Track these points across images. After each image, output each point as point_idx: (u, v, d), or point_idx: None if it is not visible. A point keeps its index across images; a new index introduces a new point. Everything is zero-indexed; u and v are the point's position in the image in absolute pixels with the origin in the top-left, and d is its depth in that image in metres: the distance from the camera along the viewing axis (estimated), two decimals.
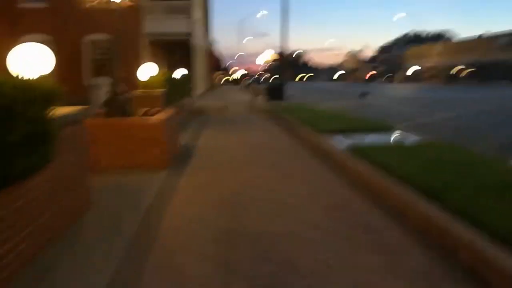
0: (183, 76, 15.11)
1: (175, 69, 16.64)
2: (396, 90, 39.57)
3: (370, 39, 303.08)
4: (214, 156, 7.09)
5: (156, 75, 9.91)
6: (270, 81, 26.44)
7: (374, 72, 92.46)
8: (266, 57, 24.50)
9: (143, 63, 21.21)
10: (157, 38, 22.85)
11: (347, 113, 13.29)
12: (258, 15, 58.61)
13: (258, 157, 7.04)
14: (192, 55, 23.06)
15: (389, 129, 8.64)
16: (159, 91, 9.29)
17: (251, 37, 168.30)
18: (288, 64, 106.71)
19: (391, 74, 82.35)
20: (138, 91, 9.15)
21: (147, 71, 9.78)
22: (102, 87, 14.80)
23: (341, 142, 7.18)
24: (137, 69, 9.63)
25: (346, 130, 8.32)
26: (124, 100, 6.44)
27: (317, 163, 6.39)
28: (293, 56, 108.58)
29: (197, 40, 24.88)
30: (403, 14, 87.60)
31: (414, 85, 58.90)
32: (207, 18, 39.30)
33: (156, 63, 23.49)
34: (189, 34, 22.36)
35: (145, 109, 7.55)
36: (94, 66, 21.39)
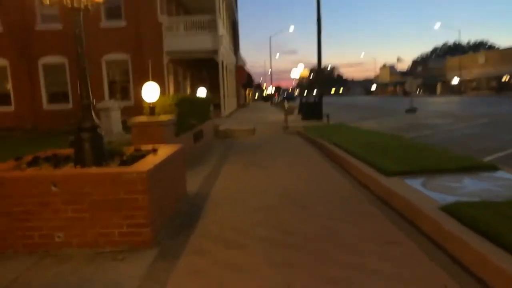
0: (203, 96, 13.01)
1: (200, 88, 14.62)
2: (443, 104, 36.11)
3: (401, 53, 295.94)
4: (233, 215, 4.74)
5: (162, 98, 7.76)
6: (304, 97, 24.10)
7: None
8: (299, 71, 22.22)
9: (165, 84, 19.47)
10: (180, 56, 21.08)
11: (403, 137, 10.69)
12: (290, 29, 56.55)
13: (301, 215, 4.64)
14: (220, 73, 21.09)
15: (486, 168, 5.98)
16: (166, 118, 7.11)
17: (279, 54, 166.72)
18: (323, 78, 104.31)
19: (426, 87, 77.98)
20: (139, 119, 7.01)
21: (152, 91, 7.55)
22: (112, 111, 12.91)
23: (427, 194, 4.66)
24: (161, 89, 7.59)
25: (421, 169, 5.78)
26: (95, 136, 4.23)
27: (407, 237, 3.83)
28: (327, 70, 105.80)
29: (225, 57, 22.97)
30: (439, 23, 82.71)
31: (458, 97, 54.78)
32: (235, 34, 37.66)
33: (179, 82, 21.49)
34: (215, 52, 20.45)
35: (136, 147, 5.34)
36: (112, 88, 19.79)
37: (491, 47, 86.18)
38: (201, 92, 14.15)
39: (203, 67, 29.49)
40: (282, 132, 15.04)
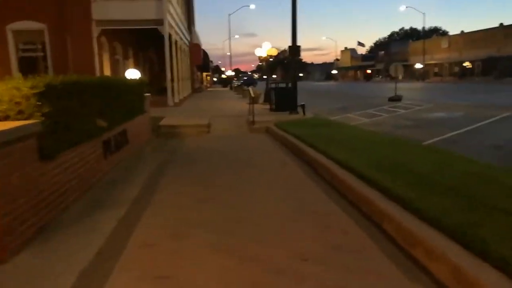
0: (134, 80, 9.02)
1: (131, 70, 10.51)
2: (419, 91, 33.63)
3: (363, 37, 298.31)
4: None
5: (9, 83, 3.75)
6: (272, 81, 20.42)
7: (373, 68, 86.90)
8: (265, 49, 18.52)
9: (95, 63, 15.05)
10: (116, 27, 16.59)
11: (447, 152, 7.35)
12: (251, 7, 52.16)
13: None
14: (166, 50, 16.86)
15: None
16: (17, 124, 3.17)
17: (238, 37, 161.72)
18: (285, 63, 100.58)
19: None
20: None
21: None
22: None
23: None
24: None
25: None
26: None
27: None
28: (287, 52, 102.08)
29: (174, 31, 18.68)
30: (405, 7, 80.00)
31: (424, 83, 53.25)
32: (189, 8, 33.06)
33: (117, 62, 16.98)
34: (160, 22, 16.16)
35: None
36: (23, 66, 15.07)
37: (444, 34, 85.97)
38: (132, 74, 10.07)
39: (151, 45, 24.94)
40: (247, 128, 11.29)
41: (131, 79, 8.78)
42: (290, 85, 13.31)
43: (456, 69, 59.62)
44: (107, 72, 17.08)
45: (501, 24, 52.89)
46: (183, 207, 4.37)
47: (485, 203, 3.53)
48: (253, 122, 11.17)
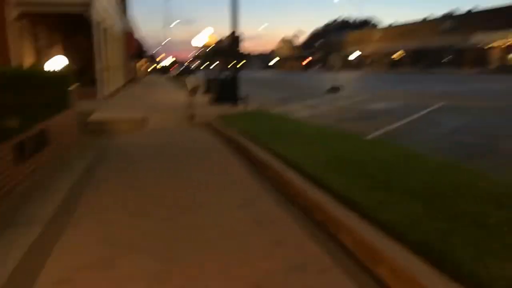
0: (56, 71, 8.00)
1: (56, 58, 9.35)
2: (357, 81, 34.53)
3: (300, 27, 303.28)
4: None
5: None
6: (210, 71, 19.66)
7: (310, 58, 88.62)
8: (206, 36, 17.59)
9: (9, 49, 13.42)
10: (38, 10, 14.92)
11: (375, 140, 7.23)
12: None
13: None
14: (95, 37, 15.52)
15: None
16: None
17: (175, 25, 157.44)
18: (224, 52, 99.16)
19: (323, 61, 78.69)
20: None
21: None
22: None
23: None
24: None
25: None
26: None
27: None
28: (226, 42, 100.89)
29: (104, 17, 17.28)
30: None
31: (359, 73, 55.17)
32: None
33: (40, 51, 15.62)
34: (86, 5, 14.77)
35: None
36: None
37: (374, 26, 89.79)
38: (57, 62, 8.96)
39: (81, 31, 23.02)
40: (186, 123, 10.62)
41: (52, 70, 7.72)
42: (231, 75, 12.75)
43: (387, 60, 62.49)
44: (29, 61, 15.37)
45: (425, 19, 56.29)
46: (112, 225, 3.72)
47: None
48: (193, 116, 10.52)
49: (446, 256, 2.48)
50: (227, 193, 4.63)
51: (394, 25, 64.01)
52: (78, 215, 3.93)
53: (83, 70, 20.98)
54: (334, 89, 19.41)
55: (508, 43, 42.90)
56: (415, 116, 11.20)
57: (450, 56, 50.21)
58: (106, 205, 4.25)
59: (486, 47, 45.47)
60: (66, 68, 9.00)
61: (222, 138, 8.38)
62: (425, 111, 11.96)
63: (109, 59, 19.07)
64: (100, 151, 7.18)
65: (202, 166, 6.00)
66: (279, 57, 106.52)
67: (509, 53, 43.51)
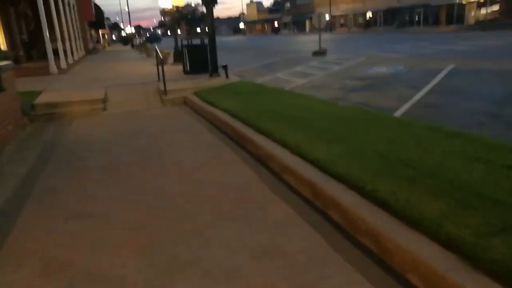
0: None
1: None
2: (338, 43, 32.70)
3: None
4: None
5: None
6: (178, 36, 17.48)
7: (278, 23, 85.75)
8: (169, 2, 15.33)
9: None
10: None
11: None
12: None
13: None
14: (40, 3, 13.05)
15: None
16: None
17: None
18: (189, 18, 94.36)
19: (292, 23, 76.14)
20: None
21: None
22: None
23: None
24: None
25: None
26: None
27: None
28: (191, 7, 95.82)
29: None
30: None
31: (335, 34, 53.24)
32: None
33: None
34: None
35: None
36: None
37: None
38: None
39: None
40: (157, 100, 8.75)
41: None
42: (207, 42, 10.79)
43: (360, 20, 60.70)
44: None
45: None
46: (55, 257, 2.05)
47: None
48: (165, 92, 8.64)
49: None
50: (221, 199, 2.99)
51: None
52: (15, 240, 2.22)
53: (31, 42, 18.32)
54: (320, 53, 17.67)
55: None
56: (432, 83, 9.42)
57: (423, 14, 49.01)
58: (54, 224, 2.53)
59: (461, 2, 44.39)
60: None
61: (203, 118, 6.70)
62: (439, 77, 10.24)
63: (62, 28, 16.53)
64: (47, 144, 5.37)
65: (180, 161, 4.28)
66: (248, 21, 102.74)
67: (480, 8, 42.61)
